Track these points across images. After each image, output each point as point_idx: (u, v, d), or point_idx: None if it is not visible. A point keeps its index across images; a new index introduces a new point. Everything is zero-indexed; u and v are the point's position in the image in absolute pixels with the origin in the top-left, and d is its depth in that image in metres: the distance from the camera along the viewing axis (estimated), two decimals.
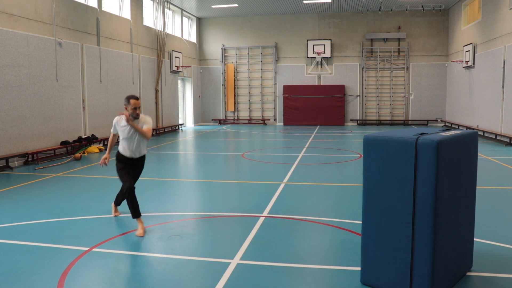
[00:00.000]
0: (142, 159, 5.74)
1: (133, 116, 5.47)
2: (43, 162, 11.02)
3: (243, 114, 24.19)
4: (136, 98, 5.48)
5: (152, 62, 18.39)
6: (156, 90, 18.69)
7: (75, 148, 12.72)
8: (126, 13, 16.55)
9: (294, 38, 23.18)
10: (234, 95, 24.07)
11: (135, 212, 5.35)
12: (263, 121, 23.82)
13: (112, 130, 5.78)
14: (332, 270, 4.20)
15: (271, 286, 3.83)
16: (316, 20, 22.91)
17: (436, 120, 22.35)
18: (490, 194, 7.35)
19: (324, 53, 22.63)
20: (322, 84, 23.14)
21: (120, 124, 5.58)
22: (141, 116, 5.56)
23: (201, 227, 5.59)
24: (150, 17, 18.69)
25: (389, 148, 3.54)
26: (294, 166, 10.16)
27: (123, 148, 5.60)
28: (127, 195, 5.37)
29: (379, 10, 21.54)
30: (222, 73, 24.12)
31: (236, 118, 24.23)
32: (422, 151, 3.36)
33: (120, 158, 5.65)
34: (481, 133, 16.15)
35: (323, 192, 7.67)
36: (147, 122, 5.57)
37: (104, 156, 5.78)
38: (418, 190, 3.40)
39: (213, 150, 13.91)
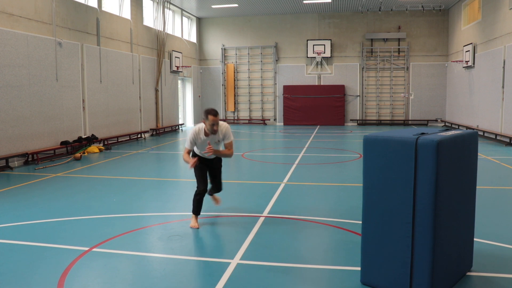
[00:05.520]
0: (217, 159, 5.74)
1: (212, 132, 5.28)
2: (43, 162, 11.02)
3: (243, 114, 24.19)
4: (215, 114, 5.19)
5: (152, 62, 18.39)
6: (156, 90, 18.69)
7: (75, 148, 12.72)
8: (126, 13, 16.55)
9: (294, 38, 23.18)
10: (234, 95, 24.07)
11: (196, 210, 5.56)
12: (263, 121, 23.82)
13: (188, 145, 5.44)
14: (332, 270, 4.20)
15: (271, 286, 3.83)
16: (316, 20, 22.91)
17: (436, 120, 22.35)
18: (490, 194, 7.35)
19: (324, 53, 22.63)
20: (322, 84, 23.14)
21: (199, 136, 5.36)
22: (219, 128, 5.34)
23: (201, 227, 5.59)
24: (150, 17, 18.69)
25: (389, 148, 3.54)
26: (294, 166, 10.15)
27: (199, 152, 5.60)
28: (198, 197, 5.51)
29: (379, 10, 21.54)
30: (222, 73, 24.12)
31: (236, 118, 24.23)
32: (422, 151, 3.36)
33: (195, 157, 5.59)
34: (481, 133, 16.15)
35: (323, 192, 7.66)
36: (226, 136, 5.41)
37: (194, 160, 5.27)
38: (418, 190, 3.40)
39: None
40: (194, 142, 5.41)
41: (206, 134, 5.35)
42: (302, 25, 23.05)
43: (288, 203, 6.74)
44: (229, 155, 5.52)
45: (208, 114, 5.18)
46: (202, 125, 5.37)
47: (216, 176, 5.81)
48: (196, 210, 5.56)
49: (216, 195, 6.22)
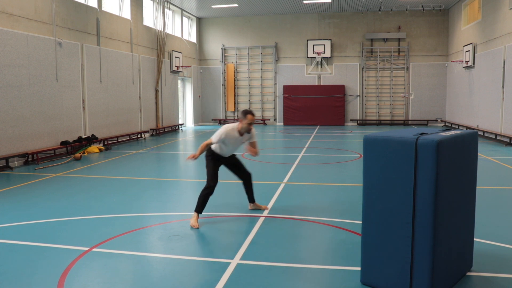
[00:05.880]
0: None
1: (246, 131, 5.71)
2: (43, 162, 11.02)
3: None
4: (254, 114, 5.70)
5: (152, 62, 18.39)
6: (156, 90, 18.69)
7: (75, 148, 12.72)
8: (126, 13, 16.55)
9: (294, 38, 23.19)
10: (234, 95, 24.07)
11: (201, 208, 5.62)
12: (263, 121, 23.82)
13: (215, 139, 5.61)
14: (332, 270, 4.20)
15: (271, 286, 3.83)
16: (316, 20, 22.92)
17: (436, 120, 22.35)
18: (490, 194, 7.35)
19: (324, 53, 22.64)
20: (322, 84, 23.14)
21: (232, 135, 5.66)
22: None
23: (201, 227, 5.59)
24: (150, 17, 18.69)
25: (389, 148, 3.54)
26: (294, 166, 10.15)
27: (220, 150, 5.82)
28: (207, 192, 5.63)
29: (379, 10, 21.54)
30: (222, 73, 24.12)
31: (236, 118, 24.22)
32: (422, 151, 3.36)
33: (212, 154, 5.85)
34: (481, 133, 16.15)
35: (323, 192, 7.66)
36: (254, 136, 5.91)
37: (195, 154, 5.56)
38: (418, 190, 3.40)
39: None
40: (223, 139, 5.63)
41: (239, 134, 5.70)
42: (302, 25, 23.05)
43: (288, 203, 6.74)
44: (258, 153, 6.00)
45: (248, 114, 5.63)
46: (234, 125, 5.71)
47: (239, 165, 6.11)
48: (200, 208, 5.61)
49: (259, 203, 6.45)
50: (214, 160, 5.83)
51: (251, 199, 6.29)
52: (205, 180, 5.80)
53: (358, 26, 22.61)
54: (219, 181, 5.91)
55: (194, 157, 5.53)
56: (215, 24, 23.91)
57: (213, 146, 5.79)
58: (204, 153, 5.85)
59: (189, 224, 5.58)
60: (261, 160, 11.05)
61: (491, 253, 4.56)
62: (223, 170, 6.09)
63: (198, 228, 5.46)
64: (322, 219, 5.85)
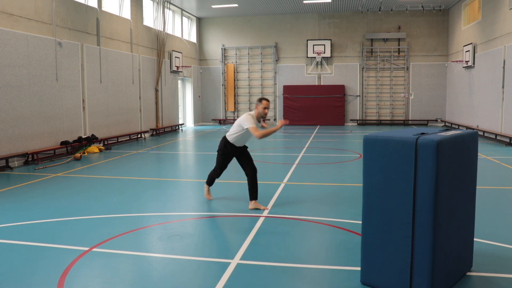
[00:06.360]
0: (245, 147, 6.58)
1: (262, 116, 6.24)
2: (43, 162, 11.02)
3: (243, 114, 24.16)
4: (268, 100, 6.26)
5: (152, 62, 18.39)
6: (156, 90, 18.69)
7: (75, 148, 12.72)
8: (126, 13, 16.55)
9: (294, 38, 23.19)
10: (234, 95, 24.07)
11: (210, 182, 6.77)
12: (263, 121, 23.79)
13: (255, 124, 6.16)
14: (332, 270, 4.20)
15: (271, 286, 3.83)
16: (316, 20, 22.92)
17: (436, 120, 22.35)
18: (490, 194, 7.35)
19: (324, 53, 22.64)
20: (322, 84, 23.15)
21: (254, 121, 6.21)
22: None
23: (201, 227, 5.58)
24: (150, 17, 18.69)
25: (389, 148, 3.54)
26: (294, 166, 10.16)
27: (238, 139, 6.26)
28: (214, 175, 6.60)
29: (379, 10, 21.55)
30: (222, 73, 24.12)
31: (236, 118, 24.24)
32: (422, 151, 3.36)
33: (224, 149, 6.37)
34: (481, 133, 16.15)
35: (323, 192, 7.66)
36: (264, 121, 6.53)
37: (277, 129, 6.08)
38: (418, 190, 3.40)
39: (213, 150, 13.87)
40: (255, 122, 6.15)
41: (257, 120, 6.26)
42: (302, 25, 23.05)
43: (288, 203, 6.74)
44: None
45: (263, 100, 6.20)
46: (251, 113, 6.26)
47: (248, 159, 6.42)
48: (209, 182, 6.71)
49: (258, 202, 6.49)
50: (225, 155, 6.40)
51: (253, 196, 6.31)
52: (205, 180, 6.60)
53: (358, 26, 22.61)
54: (220, 181, 6.18)
55: (283, 124, 6.07)
56: (215, 24, 23.91)
57: (233, 137, 6.21)
58: (218, 146, 6.48)
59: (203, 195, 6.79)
60: (261, 160, 11.05)
61: (491, 253, 4.56)
62: (225, 170, 6.47)
63: (211, 199, 6.75)
64: (322, 219, 5.85)
